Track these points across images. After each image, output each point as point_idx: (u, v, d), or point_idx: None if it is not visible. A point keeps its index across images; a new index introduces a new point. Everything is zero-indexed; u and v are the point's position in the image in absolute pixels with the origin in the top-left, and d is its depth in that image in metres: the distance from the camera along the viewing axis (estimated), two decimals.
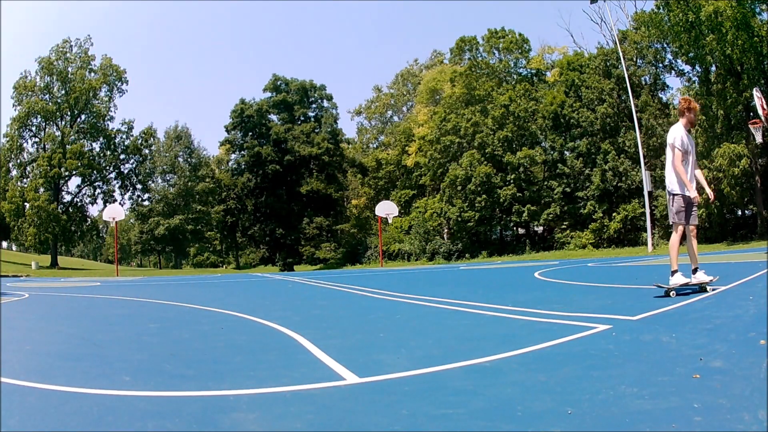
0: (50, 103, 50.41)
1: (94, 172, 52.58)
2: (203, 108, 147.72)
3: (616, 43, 32.77)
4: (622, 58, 31.21)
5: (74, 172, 50.60)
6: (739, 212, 31.64)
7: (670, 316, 4.56)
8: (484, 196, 37.44)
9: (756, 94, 14.40)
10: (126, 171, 56.35)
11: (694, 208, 5.96)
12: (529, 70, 44.04)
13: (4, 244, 66.14)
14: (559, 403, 2.35)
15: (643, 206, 29.22)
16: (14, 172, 51.36)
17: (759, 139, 15.77)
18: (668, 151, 5.96)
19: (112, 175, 55.67)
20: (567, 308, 5.43)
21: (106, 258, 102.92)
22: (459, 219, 38.53)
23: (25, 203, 49.03)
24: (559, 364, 3.09)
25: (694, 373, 2.65)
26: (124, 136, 55.83)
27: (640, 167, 29.10)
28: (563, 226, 36.26)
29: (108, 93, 54.02)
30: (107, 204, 48.97)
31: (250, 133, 55.37)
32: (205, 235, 63.50)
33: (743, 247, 23.21)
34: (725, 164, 26.01)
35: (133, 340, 4.88)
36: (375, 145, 63.71)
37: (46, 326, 6.50)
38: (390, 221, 38.81)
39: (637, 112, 30.64)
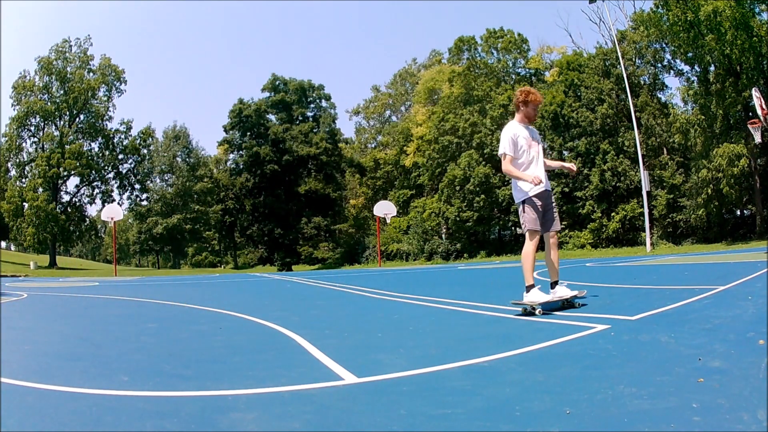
0: (49, 103, 50.41)
1: (93, 172, 52.59)
2: (202, 108, 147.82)
3: (614, 42, 32.80)
4: (620, 58, 31.24)
5: (73, 172, 50.59)
6: (738, 212, 31.71)
7: (669, 315, 4.56)
8: (482, 196, 37.47)
9: (755, 93, 14.41)
10: (124, 171, 56.41)
11: (555, 213, 5.38)
12: (527, 69, 44.09)
13: (3, 244, 66.06)
14: (557, 402, 2.35)
15: (642, 206, 29.26)
16: (13, 172, 51.40)
17: (758, 139, 15.79)
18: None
19: (111, 175, 55.75)
20: (565, 308, 5.43)
21: (104, 258, 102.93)
22: (457, 219, 38.56)
23: (24, 203, 49.02)
24: (557, 364, 3.09)
25: (694, 372, 2.65)
26: (123, 136, 55.94)
27: (639, 167, 29.14)
28: (562, 226, 36.28)
29: (107, 93, 54.13)
30: (106, 204, 49.01)
31: (249, 133, 55.37)
32: (203, 234, 63.51)
33: (742, 247, 23.25)
34: (724, 164, 26.05)
35: (131, 340, 4.88)
36: (373, 145, 63.76)
37: (45, 326, 6.49)
38: (388, 221, 38.83)
39: (636, 111, 30.69)
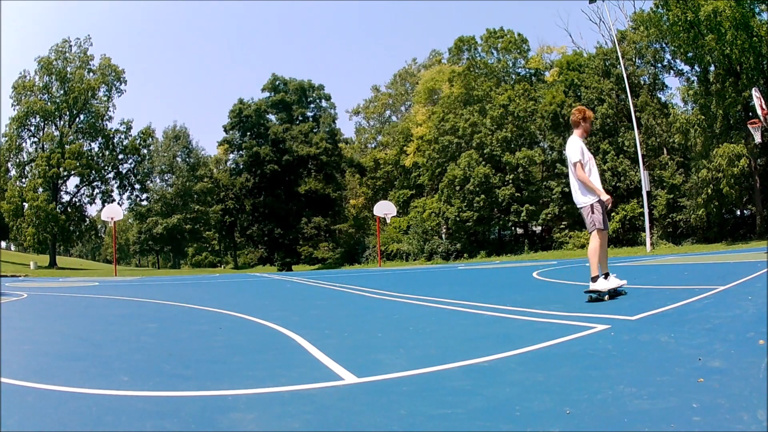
0: (49, 103, 50.37)
1: (93, 172, 52.53)
2: (202, 108, 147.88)
3: (614, 42, 32.78)
4: (620, 58, 31.22)
5: (73, 172, 50.56)
6: (738, 212, 31.70)
7: (669, 315, 4.56)
8: (482, 196, 37.47)
9: (755, 93, 14.41)
10: (124, 171, 56.41)
11: (606, 215, 6.18)
12: (527, 69, 44.06)
13: (3, 244, 66.04)
14: (557, 403, 2.35)
15: (642, 206, 29.23)
16: (13, 172, 51.37)
17: (758, 139, 15.78)
18: (570, 166, 6.08)
19: (111, 175, 55.69)
20: (565, 308, 5.43)
21: (104, 258, 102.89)
22: (457, 219, 38.55)
23: (24, 203, 48.98)
24: (557, 364, 3.09)
25: (694, 373, 2.65)
26: (123, 136, 55.89)
27: (639, 167, 29.12)
28: (562, 226, 36.30)
29: (107, 93, 54.08)
30: (106, 204, 48.97)
31: (249, 133, 55.34)
32: (203, 235, 63.48)
33: (742, 247, 23.24)
34: (724, 164, 26.05)
35: (131, 340, 4.88)
36: (373, 145, 63.73)
37: (45, 326, 6.49)
38: (388, 221, 38.81)
39: (636, 111, 30.67)
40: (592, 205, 5.94)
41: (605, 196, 5.93)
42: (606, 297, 5.81)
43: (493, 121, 38.78)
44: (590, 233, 6.00)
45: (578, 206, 6.14)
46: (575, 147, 6.02)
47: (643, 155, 29.52)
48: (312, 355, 3.75)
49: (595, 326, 4.17)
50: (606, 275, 5.95)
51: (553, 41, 64.01)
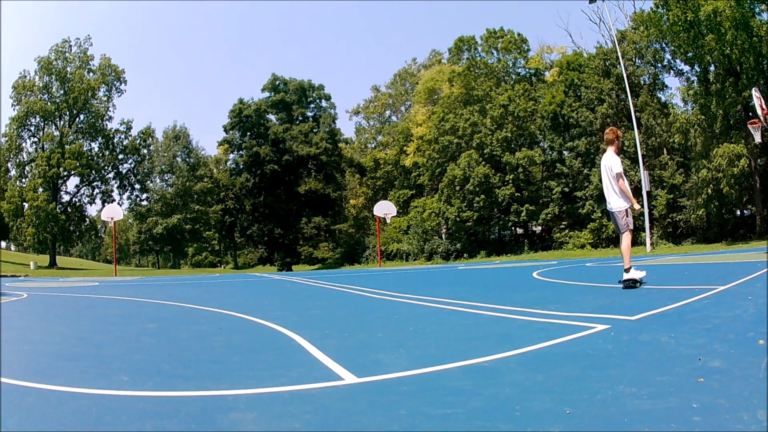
0: (49, 103, 50.33)
1: (93, 172, 52.49)
2: (202, 108, 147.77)
3: (614, 42, 32.75)
4: (620, 58, 31.19)
5: (73, 172, 50.52)
6: (738, 212, 31.66)
7: (669, 315, 4.56)
8: (482, 196, 37.44)
9: (755, 93, 14.40)
10: (124, 171, 56.38)
11: None
12: (527, 69, 44.02)
13: (3, 244, 66.02)
14: (557, 403, 2.35)
15: (642, 206, 29.22)
16: (13, 172, 51.33)
17: (758, 139, 15.76)
18: (609, 176, 7.22)
19: (111, 175, 55.65)
20: (565, 308, 5.43)
21: (104, 258, 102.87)
22: (457, 219, 38.53)
23: (24, 203, 48.95)
24: (557, 364, 3.09)
25: (694, 373, 2.65)
26: (123, 136, 55.85)
27: (639, 167, 29.09)
28: (562, 226, 36.27)
29: (107, 93, 54.03)
30: (106, 204, 48.95)
31: (249, 133, 55.27)
32: (203, 235, 63.44)
33: (742, 247, 23.22)
34: (724, 164, 26.03)
35: (131, 340, 4.88)
36: (373, 145, 63.67)
37: (45, 326, 6.49)
38: (388, 221, 38.78)
39: (636, 111, 30.64)
40: (626, 210, 7.18)
41: (637, 205, 7.24)
42: (638, 284, 6.90)
43: (493, 121, 38.75)
44: (622, 233, 7.16)
45: (612, 210, 7.29)
46: (616, 161, 7.19)
47: (643, 155, 29.50)
48: (312, 355, 3.75)
49: (595, 326, 4.17)
50: (630, 268, 6.95)
51: (553, 41, 63.99)
